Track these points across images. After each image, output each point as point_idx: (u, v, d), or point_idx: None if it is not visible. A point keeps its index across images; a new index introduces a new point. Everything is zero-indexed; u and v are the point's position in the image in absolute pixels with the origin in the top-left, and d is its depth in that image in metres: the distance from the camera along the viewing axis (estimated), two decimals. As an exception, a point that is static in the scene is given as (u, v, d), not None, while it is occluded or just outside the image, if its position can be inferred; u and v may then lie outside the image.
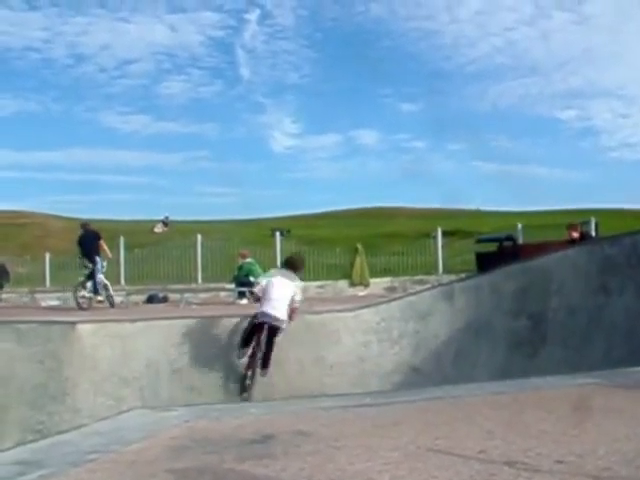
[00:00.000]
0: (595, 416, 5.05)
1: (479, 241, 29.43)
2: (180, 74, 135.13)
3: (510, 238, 27.86)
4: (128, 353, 13.85)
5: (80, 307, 20.42)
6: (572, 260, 15.11)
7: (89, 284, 20.96)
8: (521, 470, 3.74)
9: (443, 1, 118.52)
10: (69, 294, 24.63)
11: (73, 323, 14.02)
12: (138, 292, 25.31)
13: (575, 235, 18.69)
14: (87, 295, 20.87)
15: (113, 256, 29.14)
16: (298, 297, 13.23)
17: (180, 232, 38.66)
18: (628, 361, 10.11)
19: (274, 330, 12.95)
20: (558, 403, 5.70)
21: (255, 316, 13.13)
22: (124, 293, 24.95)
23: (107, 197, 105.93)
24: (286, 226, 37.06)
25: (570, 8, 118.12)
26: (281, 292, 13.02)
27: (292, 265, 13.68)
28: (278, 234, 29.39)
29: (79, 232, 21.66)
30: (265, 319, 12.88)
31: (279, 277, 13.33)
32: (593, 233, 25.18)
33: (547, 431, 4.60)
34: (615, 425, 4.71)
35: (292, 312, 13.12)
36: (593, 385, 6.45)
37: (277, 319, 12.88)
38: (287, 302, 12.99)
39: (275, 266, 27.86)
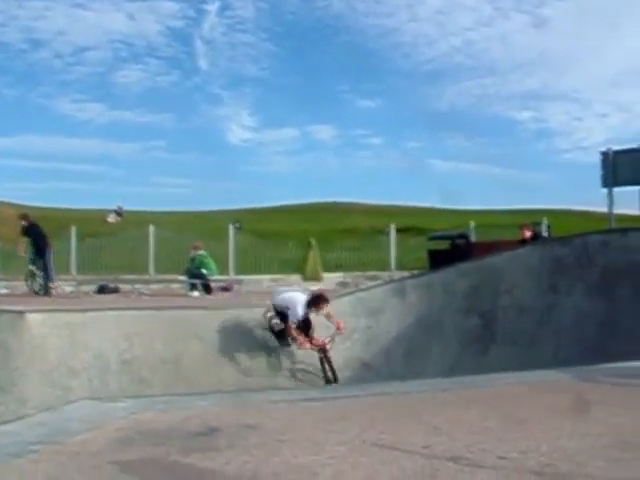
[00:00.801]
0: (540, 413, 5.12)
1: (432, 238, 29.60)
2: (137, 63, 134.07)
3: (463, 236, 28.06)
4: (77, 343, 13.70)
5: (37, 294, 20.38)
6: (523, 260, 15.28)
7: (40, 272, 20.88)
8: (464, 466, 3.77)
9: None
10: (18, 282, 24.36)
11: (22, 312, 13.83)
12: (89, 282, 25.03)
13: (527, 235, 18.89)
14: (41, 283, 20.82)
15: (64, 245, 28.88)
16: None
17: (133, 222, 38.29)
18: (576, 360, 10.25)
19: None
20: (504, 400, 5.76)
21: None
22: (75, 283, 24.69)
23: (60, 185, 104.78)
24: (240, 219, 36.91)
25: (529, 11, 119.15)
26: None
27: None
28: (231, 227, 29.30)
29: (22, 223, 21.47)
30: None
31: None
32: (545, 233, 25.46)
33: (492, 428, 4.65)
34: (559, 422, 4.77)
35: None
36: (539, 383, 6.52)
37: None
38: None
39: (227, 258, 27.90)
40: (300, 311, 13.18)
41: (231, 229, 28.90)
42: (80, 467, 3.95)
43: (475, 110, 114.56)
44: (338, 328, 13.12)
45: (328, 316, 13.26)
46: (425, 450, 4.03)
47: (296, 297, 13.56)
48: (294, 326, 13.13)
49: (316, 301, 13.31)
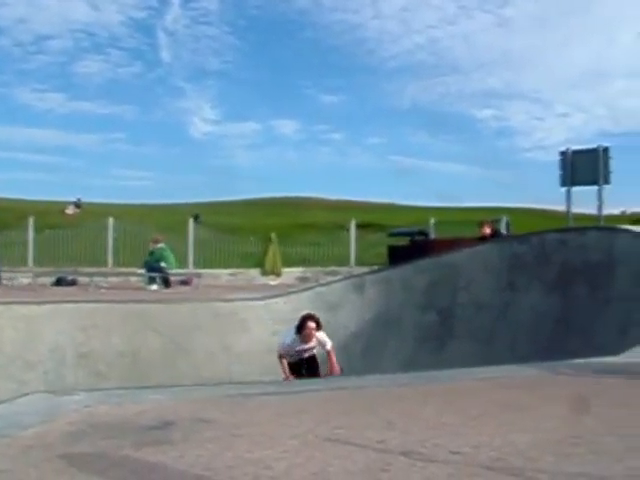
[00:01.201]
0: (494, 409, 5.16)
1: (392, 235, 29.68)
2: (99, 53, 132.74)
3: (422, 233, 28.17)
4: (34, 336, 13.60)
5: None
6: (482, 257, 15.40)
7: None
8: (417, 460, 3.79)
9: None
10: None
11: (-24, 304, 13.69)
12: (46, 274, 24.79)
13: (487, 232, 19.02)
14: None
15: (21, 237, 28.59)
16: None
17: (93, 214, 37.95)
18: (532, 356, 10.37)
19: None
20: (460, 396, 5.80)
21: None
22: (31, 275, 24.45)
23: (19, 175, 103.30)
24: (200, 212, 36.75)
25: (492, 10, 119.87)
26: None
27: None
28: (191, 220, 29.20)
29: None
30: None
31: None
32: (504, 231, 25.64)
33: (446, 423, 4.67)
34: (511, 418, 4.82)
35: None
36: (495, 379, 6.57)
37: None
38: None
39: (187, 252, 27.79)
40: (286, 339, 11.77)
41: (191, 222, 28.77)
42: (31, 460, 3.91)
43: (438, 107, 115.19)
44: (331, 371, 11.41)
45: (324, 347, 11.74)
46: (379, 445, 4.04)
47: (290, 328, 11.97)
48: (283, 359, 11.69)
49: (301, 323, 11.64)
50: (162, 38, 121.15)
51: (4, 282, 22.63)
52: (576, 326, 12.57)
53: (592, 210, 21.81)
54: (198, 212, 35.58)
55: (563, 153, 21.37)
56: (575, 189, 21.34)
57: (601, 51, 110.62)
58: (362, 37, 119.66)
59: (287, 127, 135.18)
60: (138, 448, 4.01)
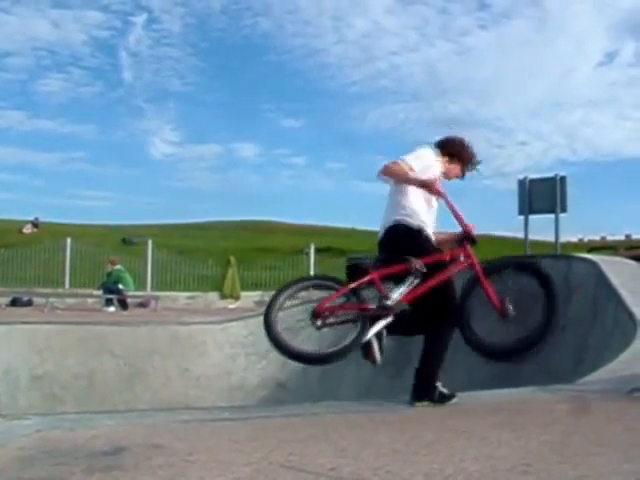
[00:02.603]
0: (447, 436, 5.18)
1: (350, 259, 29.78)
2: (60, 72, 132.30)
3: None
4: (-14, 358, 13.43)
5: None
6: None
7: None
8: (370, 488, 3.80)
9: (330, 21, 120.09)
10: None
11: None
12: (1, 294, 24.53)
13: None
14: None
15: (-24, 256, 28.27)
16: None
17: (50, 234, 37.68)
18: (487, 384, 10.43)
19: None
20: (413, 423, 5.83)
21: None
22: (-14, 295, 24.19)
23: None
24: (160, 234, 36.58)
25: (453, 39, 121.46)
26: None
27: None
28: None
29: None
30: None
31: None
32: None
33: (399, 450, 4.68)
34: (465, 446, 4.83)
35: None
36: (449, 406, 6.61)
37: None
38: None
39: (145, 274, 27.62)
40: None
41: (150, 244, 28.64)
42: (-21, 486, 3.87)
43: (398, 133, 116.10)
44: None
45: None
46: (331, 472, 4.04)
47: None
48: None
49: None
50: (124, 58, 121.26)
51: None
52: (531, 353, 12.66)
53: (549, 237, 22.09)
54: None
55: (521, 181, 21.64)
56: (533, 217, 21.60)
57: (561, 81, 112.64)
58: (324, 62, 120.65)
59: (248, 150, 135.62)
60: (89, 474, 3.97)
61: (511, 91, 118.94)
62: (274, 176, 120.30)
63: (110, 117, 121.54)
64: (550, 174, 21.79)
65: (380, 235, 7.30)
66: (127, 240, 31.28)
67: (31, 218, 49.81)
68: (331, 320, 7.12)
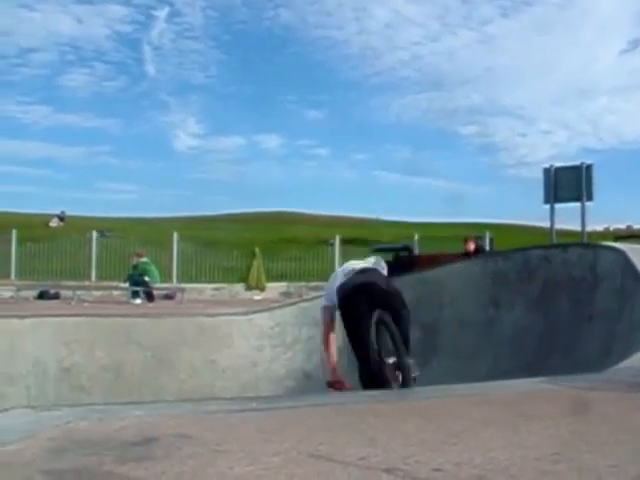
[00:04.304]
0: (475, 426, 5.16)
1: (376, 250, 29.74)
2: (84, 67, 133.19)
3: (406, 248, 28.27)
4: (15, 350, 13.53)
5: None
6: (466, 273, 15.45)
7: None
8: (399, 477, 3.79)
9: (352, 12, 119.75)
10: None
11: (-42, 317, 13.62)
12: (29, 287, 24.72)
13: (471, 248, 19.12)
14: None
15: (4, 249, 28.49)
16: None
17: (76, 228, 37.92)
18: (514, 373, 10.40)
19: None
20: (440, 412, 5.81)
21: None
22: (14, 288, 24.36)
23: (2, 188, 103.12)
24: (185, 227, 36.68)
25: (475, 27, 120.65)
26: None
27: None
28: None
29: None
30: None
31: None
32: (487, 247, 25.77)
33: (427, 440, 4.67)
34: (493, 435, 4.82)
35: None
36: (476, 396, 6.59)
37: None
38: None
39: (171, 266, 27.72)
40: None
41: (175, 236, 28.70)
42: (11, 477, 3.89)
43: (421, 123, 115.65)
44: None
45: None
46: (361, 461, 4.04)
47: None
48: None
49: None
50: (147, 52, 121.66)
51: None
52: (559, 342, 12.62)
53: (575, 226, 21.96)
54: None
55: (547, 170, 21.52)
56: (558, 205, 21.48)
57: (584, 68, 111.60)
58: (346, 53, 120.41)
59: (272, 142, 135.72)
60: (120, 464, 3.99)
61: (534, 79, 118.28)
62: (297, 167, 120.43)
63: (134, 111, 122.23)
64: (575, 162, 21.68)
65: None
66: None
67: (57, 212, 50.13)
68: None
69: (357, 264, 9.30)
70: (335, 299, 8.92)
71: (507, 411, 5.84)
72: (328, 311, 9.29)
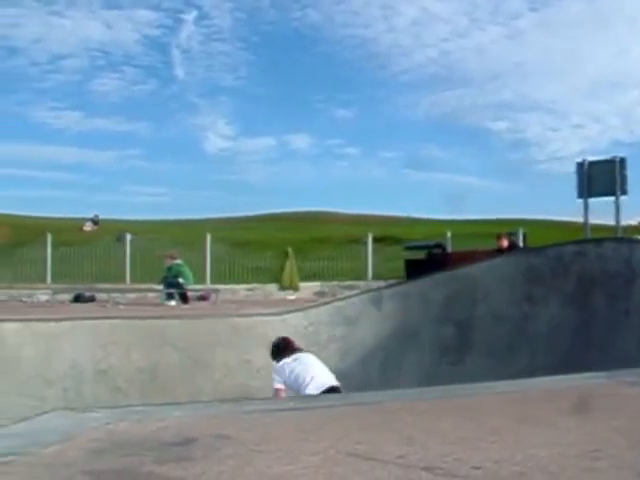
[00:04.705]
0: (513, 423, 5.14)
1: (408, 248, 29.70)
2: (114, 71, 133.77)
3: (439, 246, 28.19)
4: (53, 353, 13.66)
5: None
6: (499, 269, 15.37)
7: None
8: (439, 475, 3.78)
9: (380, 10, 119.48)
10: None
11: (-5, 321, 13.76)
12: (64, 291, 24.95)
13: (503, 244, 19.02)
14: None
15: (39, 254, 28.78)
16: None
17: (110, 231, 38.20)
18: (550, 370, 10.32)
19: None
20: (478, 410, 5.78)
21: None
22: (50, 292, 24.60)
23: (36, 193, 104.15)
24: (217, 228, 36.79)
25: (504, 22, 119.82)
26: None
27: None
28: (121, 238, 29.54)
29: None
30: None
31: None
32: (521, 243, 25.63)
33: (465, 437, 4.66)
34: (532, 432, 4.79)
35: None
36: (513, 393, 6.55)
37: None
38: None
39: (204, 267, 27.82)
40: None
41: (208, 238, 28.84)
42: (53, 478, 3.94)
43: (451, 120, 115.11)
44: None
45: None
46: (400, 460, 4.04)
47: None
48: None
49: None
50: (176, 55, 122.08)
51: (24, 299, 22.77)
52: (595, 338, 12.53)
53: (609, 221, 21.77)
54: (212, 229, 35.61)
55: (580, 164, 21.38)
56: (591, 200, 21.31)
57: (615, 61, 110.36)
58: (374, 51, 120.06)
59: (302, 142, 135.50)
60: (160, 465, 4.02)
61: (564, 73, 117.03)
62: (328, 167, 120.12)
63: (164, 114, 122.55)
64: (607, 156, 21.49)
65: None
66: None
67: (91, 216, 50.48)
68: None
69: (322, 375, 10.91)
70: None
71: (545, 408, 5.81)
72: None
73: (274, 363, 11.35)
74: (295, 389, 10.67)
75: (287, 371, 10.92)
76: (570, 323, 13.37)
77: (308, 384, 10.47)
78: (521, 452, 4.21)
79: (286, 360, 11.15)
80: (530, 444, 4.42)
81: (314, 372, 10.79)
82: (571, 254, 14.39)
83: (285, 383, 10.85)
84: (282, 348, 11.57)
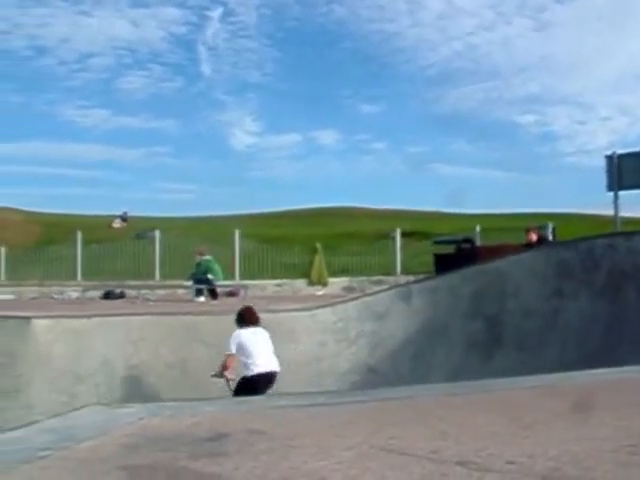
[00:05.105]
0: (546, 418, 5.12)
1: (437, 243, 29.57)
2: (141, 69, 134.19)
3: (468, 240, 28.05)
4: (84, 349, 13.76)
5: None
6: (528, 263, 15.29)
7: None
8: (473, 470, 3.77)
9: (405, 5, 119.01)
10: (24, 288, 24.43)
11: (28, 318, 13.86)
12: (95, 288, 25.12)
13: (533, 239, 18.88)
14: None
15: (69, 251, 28.99)
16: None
17: (139, 228, 38.38)
18: (582, 364, 10.25)
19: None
20: (510, 405, 5.77)
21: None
22: (80, 289, 24.77)
23: (65, 191, 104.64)
24: (245, 224, 36.81)
25: (530, 15, 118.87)
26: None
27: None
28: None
29: None
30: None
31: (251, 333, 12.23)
32: (550, 237, 25.46)
33: (499, 432, 4.65)
34: (565, 427, 4.77)
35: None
36: (545, 388, 6.52)
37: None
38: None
39: (233, 263, 27.89)
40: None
41: (237, 234, 28.89)
42: (89, 472, 3.98)
43: (478, 114, 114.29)
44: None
45: None
46: (433, 455, 4.03)
47: None
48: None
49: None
50: (202, 52, 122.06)
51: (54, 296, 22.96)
52: (626, 332, 12.44)
53: (638, 214, 21.56)
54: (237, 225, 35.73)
55: (609, 157, 21.16)
56: (622, 193, 21.12)
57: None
58: (400, 46, 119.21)
59: (328, 137, 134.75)
60: (194, 460, 4.05)
61: (591, 65, 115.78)
62: (355, 162, 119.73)
63: (191, 111, 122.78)
64: (637, 149, 21.27)
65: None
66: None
67: (120, 213, 50.73)
68: None
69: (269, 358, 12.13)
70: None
71: (578, 402, 5.77)
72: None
73: (235, 330, 12.26)
74: (242, 360, 11.94)
75: (242, 341, 11.99)
76: (601, 317, 13.27)
77: (254, 362, 11.76)
78: (555, 447, 4.19)
79: (245, 331, 12.17)
80: (564, 439, 4.40)
81: (262, 352, 11.96)
82: (602, 248, 14.28)
83: (237, 351, 12.00)
84: (246, 318, 12.39)
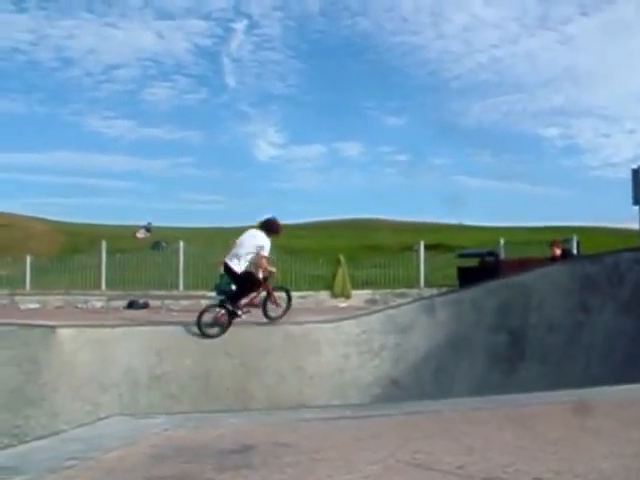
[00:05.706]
0: (573, 434, 5.08)
1: (461, 256, 29.48)
2: (166, 81, 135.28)
3: (492, 253, 27.94)
4: (108, 359, 13.81)
5: None
6: (553, 277, 15.20)
7: None
8: (499, 486, 3.76)
9: (429, 17, 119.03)
10: (49, 297, 24.56)
11: (53, 327, 13.94)
12: (119, 297, 25.21)
13: (557, 252, 18.78)
14: None
15: (94, 261, 29.13)
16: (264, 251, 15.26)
17: (163, 238, 38.55)
18: (606, 379, 10.18)
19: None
20: (536, 420, 5.73)
21: None
22: (105, 298, 24.86)
23: (90, 201, 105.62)
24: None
25: (554, 28, 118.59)
26: (246, 242, 15.39)
27: (267, 227, 15.59)
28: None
29: None
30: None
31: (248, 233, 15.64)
32: (575, 251, 25.31)
33: (525, 447, 4.62)
34: (593, 443, 4.73)
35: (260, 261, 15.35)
36: (571, 403, 6.47)
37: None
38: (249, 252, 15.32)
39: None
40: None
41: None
42: (115, 483, 3.99)
43: (502, 126, 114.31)
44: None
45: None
46: (459, 470, 4.01)
47: None
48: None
49: (268, 225, 15.96)
50: (227, 64, 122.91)
51: (79, 305, 23.07)
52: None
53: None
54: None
55: (635, 170, 21.02)
56: (647, 206, 20.96)
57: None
58: (424, 58, 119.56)
59: (351, 149, 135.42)
60: (220, 472, 4.05)
61: (616, 77, 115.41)
62: (378, 174, 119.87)
63: (215, 122, 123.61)
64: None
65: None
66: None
67: (144, 223, 50.99)
68: None
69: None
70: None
71: (604, 418, 5.73)
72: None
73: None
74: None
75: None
76: (626, 332, 13.17)
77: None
78: (582, 463, 4.16)
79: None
80: (591, 455, 4.37)
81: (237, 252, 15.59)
82: (628, 262, 14.17)
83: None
84: (272, 229, 15.75)
